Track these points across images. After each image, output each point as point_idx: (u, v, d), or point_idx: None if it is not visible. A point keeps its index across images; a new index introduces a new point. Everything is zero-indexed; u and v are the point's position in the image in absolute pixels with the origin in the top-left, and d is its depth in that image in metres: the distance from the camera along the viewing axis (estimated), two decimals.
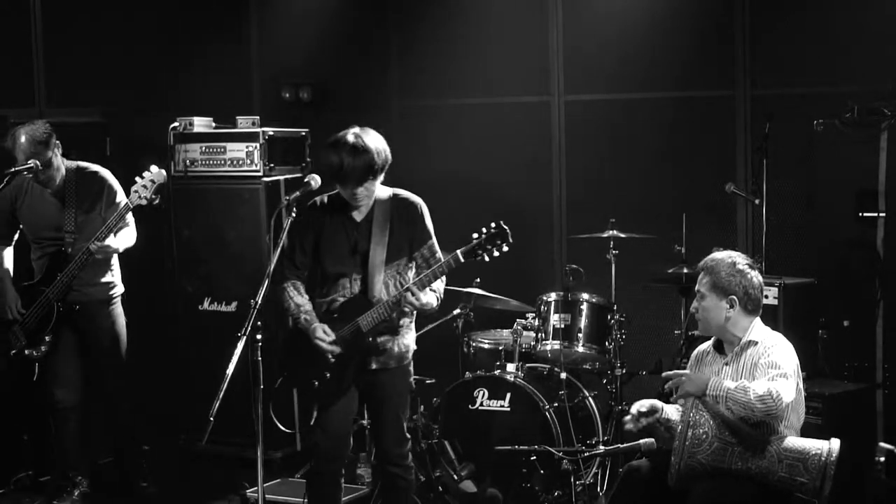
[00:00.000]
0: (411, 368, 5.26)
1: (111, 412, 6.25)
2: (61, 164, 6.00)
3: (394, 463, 5.20)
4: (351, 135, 4.89)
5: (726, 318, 4.76)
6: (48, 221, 6.01)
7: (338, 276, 5.06)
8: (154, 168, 5.85)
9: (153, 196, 5.82)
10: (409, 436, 5.27)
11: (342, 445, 5.20)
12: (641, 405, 4.77)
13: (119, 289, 6.19)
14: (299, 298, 5.07)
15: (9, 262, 6.16)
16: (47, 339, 5.98)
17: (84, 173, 6.05)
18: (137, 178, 5.83)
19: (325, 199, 5.11)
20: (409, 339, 5.18)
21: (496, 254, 4.81)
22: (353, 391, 5.12)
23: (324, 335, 4.97)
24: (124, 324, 6.19)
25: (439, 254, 5.07)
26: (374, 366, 5.08)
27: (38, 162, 5.87)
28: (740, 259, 4.82)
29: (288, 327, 6.55)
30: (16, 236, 6.18)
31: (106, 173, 6.10)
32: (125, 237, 6.01)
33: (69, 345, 6.06)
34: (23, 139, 5.83)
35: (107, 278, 6.11)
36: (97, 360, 6.13)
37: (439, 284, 5.03)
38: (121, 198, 5.99)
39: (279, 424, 5.71)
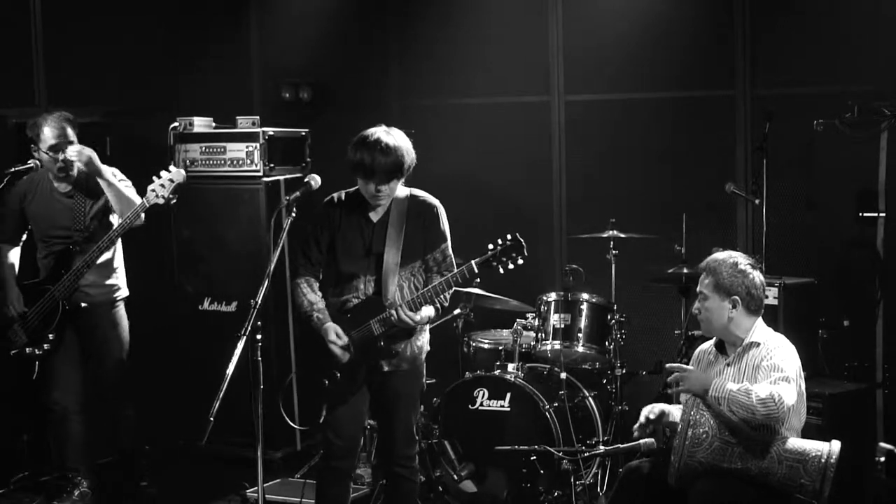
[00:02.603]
0: (424, 370, 5.23)
1: (112, 414, 6.24)
2: None
3: (400, 464, 5.16)
4: (382, 132, 4.88)
5: (729, 319, 4.76)
6: (57, 220, 6.00)
7: (351, 277, 5.01)
8: (173, 168, 5.88)
9: (171, 196, 5.82)
10: (417, 437, 5.23)
11: (353, 445, 5.17)
12: (652, 412, 4.77)
13: (123, 292, 6.17)
14: (312, 296, 5.02)
15: (14, 262, 6.16)
16: (50, 337, 5.97)
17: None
18: (155, 178, 5.83)
19: (343, 196, 5.06)
20: (422, 340, 5.14)
21: (511, 266, 4.74)
22: (363, 391, 5.09)
23: (336, 338, 4.93)
24: (127, 326, 6.18)
25: (451, 258, 5.02)
26: (386, 368, 5.04)
27: (38, 163, 5.89)
28: (742, 259, 4.82)
29: (288, 327, 6.58)
30: (23, 237, 6.18)
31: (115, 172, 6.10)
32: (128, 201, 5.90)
33: (71, 345, 6.05)
34: (50, 118, 5.85)
35: (111, 280, 6.10)
36: (99, 361, 6.12)
37: (444, 294, 4.94)
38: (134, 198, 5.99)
39: (288, 420, 5.73)
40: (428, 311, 4.95)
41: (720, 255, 4.85)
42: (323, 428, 5.13)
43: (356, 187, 4.99)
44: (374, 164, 4.81)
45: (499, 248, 4.73)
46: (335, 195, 5.06)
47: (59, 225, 5.99)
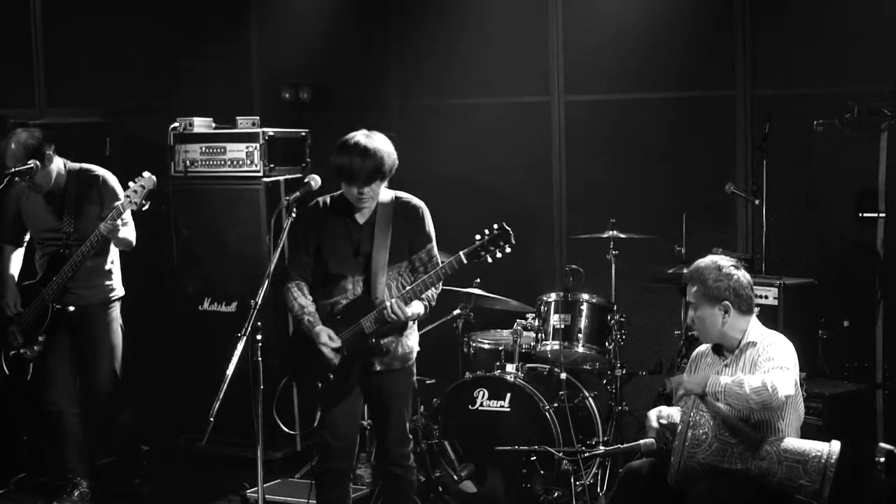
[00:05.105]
0: (414, 369, 5.28)
1: (106, 415, 6.23)
2: (55, 168, 5.97)
3: (396, 463, 5.22)
4: (361, 136, 4.95)
5: (723, 324, 4.76)
6: (47, 222, 6.02)
7: (339, 278, 5.08)
8: (146, 174, 5.82)
9: (142, 202, 5.81)
10: (411, 436, 5.28)
11: (350, 445, 5.22)
12: (660, 416, 4.77)
13: (118, 293, 6.17)
14: (303, 300, 5.09)
15: (16, 263, 6.18)
16: (40, 339, 5.99)
17: (84, 175, 6.03)
18: (130, 183, 5.82)
19: (328, 200, 5.14)
20: (412, 339, 5.21)
21: (499, 255, 4.84)
22: (357, 392, 5.15)
23: (328, 340, 4.99)
24: (120, 329, 6.17)
25: (437, 258, 5.09)
26: (378, 367, 5.10)
27: (38, 163, 5.88)
28: (724, 262, 4.82)
29: (289, 327, 6.58)
30: (26, 238, 6.20)
31: (106, 175, 6.08)
32: (126, 232, 5.98)
33: (63, 346, 6.06)
34: (12, 145, 5.86)
35: (104, 282, 6.10)
36: (91, 363, 6.11)
37: (432, 290, 5.04)
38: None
39: (282, 426, 5.72)
40: (417, 307, 5.02)
41: (702, 262, 4.85)
42: (319, 430, 5.18)
43: (341, 191, 5.06)
44: (354, 168, 4.89)
45: (486, 237, 4.84)
46: (320, 199, 5.15)
47: (48, 227, 6.02)
